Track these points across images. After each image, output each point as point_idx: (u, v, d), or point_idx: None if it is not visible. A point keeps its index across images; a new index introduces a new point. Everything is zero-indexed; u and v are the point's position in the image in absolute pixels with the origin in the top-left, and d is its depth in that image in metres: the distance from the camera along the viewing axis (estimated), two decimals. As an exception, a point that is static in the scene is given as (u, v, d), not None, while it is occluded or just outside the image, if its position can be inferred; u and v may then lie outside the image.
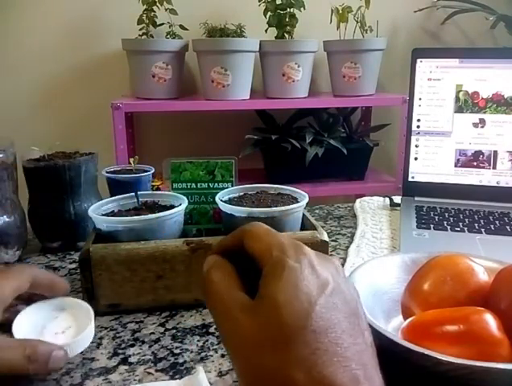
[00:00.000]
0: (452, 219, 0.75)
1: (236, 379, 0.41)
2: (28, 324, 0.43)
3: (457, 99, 0.84)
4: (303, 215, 0.60)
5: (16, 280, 0.42)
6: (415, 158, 0.87)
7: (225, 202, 0.58)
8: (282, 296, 0.27)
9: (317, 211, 0.89)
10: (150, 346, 0.46)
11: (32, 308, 0.45)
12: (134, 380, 0.41)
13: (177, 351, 0.46)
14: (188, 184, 0.62)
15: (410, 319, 0.41)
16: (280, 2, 1.55)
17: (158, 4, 1.51)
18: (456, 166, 0.85)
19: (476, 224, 0.73)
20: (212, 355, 0.45)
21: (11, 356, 0.37)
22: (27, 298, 0.45)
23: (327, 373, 0.24)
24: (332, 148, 1.57)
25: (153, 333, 0.49)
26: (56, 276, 0.48)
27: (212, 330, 0.49)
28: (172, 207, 0.57)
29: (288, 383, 0.24)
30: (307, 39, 1.62)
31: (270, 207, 0.56)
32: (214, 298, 0.30)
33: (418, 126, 0.86)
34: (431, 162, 0.86)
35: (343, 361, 0.25)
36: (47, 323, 0.44)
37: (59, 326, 0.43)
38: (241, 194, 0.63)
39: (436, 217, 0.76)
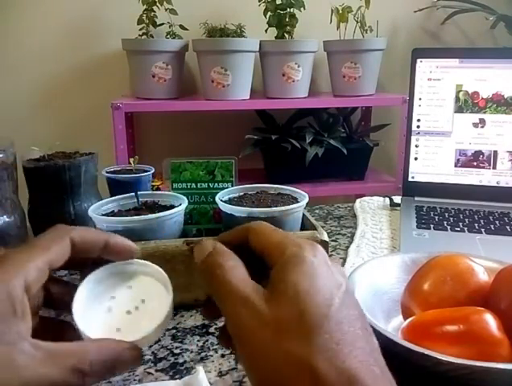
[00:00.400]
0: (452, 219, 0.75)
1: (236, 379, 0.41)
2: (91, 301, 0.33)
3: (457, 99, 0.84)
4: (303, 215, 0.60)
5: (44, 253, 0.30)
6: (415, 158, 0.87)
7: (225, 202, 0.58)
8: (305, 286, 0.27)
9: (317, 211, 0.89)
10: (150, 346, 0.46)
11: (95, 277, 0.34)
12: (134, 380, 0.41)
13: (177, 351, 0.46)
14: (188, 184, 0.62)
15: (410, 319, 0.41)
16: (280, 2, 1.55)
17: (158, 4, 1.51)
18: (456, 166, 0.85)
19: (476, 224, 0.73)
20: (212, 355, 0.45)
21: (51, 371, 0.26)
22: (93, 261, 0.35)
23: (349, 364, 0.24)
24: (332, 148, 1.57)
25: (153, 333, 0.49)
26: (113, 235, 0.35)
27: (212, 330, 0.49)
28: (172, 207, 0.57)
29: (310, 370, 0.24)
30: (307, 39, 1.62)
31: (270, 207, 0.56)
32: (226, 285, 0.28)
33: (418, 126, 0.86)
34: (431, 162, 0.86)
35: (361, 355, 0.25)
36: (117, 295, 0.34)
37: (131, 300, 0.33)
38: (241, 194, 0.63)
39: (436, 217, 0.76)
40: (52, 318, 0.34)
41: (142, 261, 0.35)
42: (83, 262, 0.34)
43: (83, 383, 0.27)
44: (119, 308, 0.33)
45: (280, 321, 0.26)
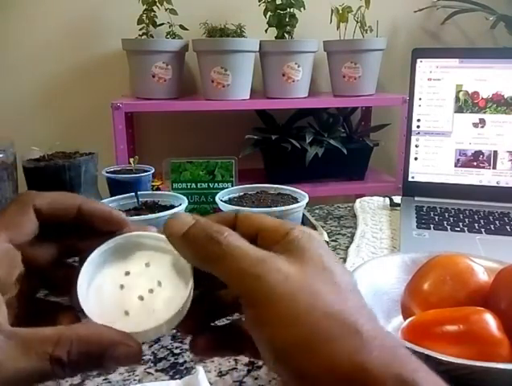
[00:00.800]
0: (452, 219, 0.75)
1: (236, 379, 0.41)
2: (101, 273, 0.28)
3: (457, 99, 0.84)
4: (303, 215, 0.60)
5: (3, 231, 0.27)
6: (415, 158, 0.87)
7: (225, 202, 0.58)
8: (326, 255, 0.26)
9: (317, 211, 0.89)
10: (150, 346, 0.46)
11: (107, 247, 0.29)
12: (134, 380, 0.41)
13: (177, 351, 0.46)
14: (188, 184, 0.62)
15: (410, 319, 0.41)
16: (280, 2, 1.55)
17: (158, 4, 1.51)
18: (456, 166, 0.85)
19: (476, 224, 0.73)
20: (212, 355, 0.45)
21: (26, 362, 0.22)
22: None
23: (381, 326, 0.24)
24: (332, 148, 1.57)
25: (153, 333, 0.49)
26: (91, 200, 0.31)
27: (212, 330, 0.49)
28: (172, 207, 0.57)
29: (354, 325, 0.23)
30: (307, 38, 1.62)
31: (270, 207, 0.56)
32: (233, 249, 0.24)
33: (418, 126, 0.86)
34: (431, 162, 0.86)
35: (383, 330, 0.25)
36: (132, 271, 0.28)
37: (146, 280, 0.28)
38: (241, 194, 0.63)
39: (436, 217, 0.76)
40: (48, 301, 0.30)
41: (162, 236, 0.28)
42: (75, 245, 0.30)
43: (62, 375, 0.23)
44: (132, 287, 0.27)
45: (310, 280, 0.24)
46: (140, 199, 0.61)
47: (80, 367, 0.24)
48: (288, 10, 1.56)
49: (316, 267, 0.25)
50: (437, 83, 0.84)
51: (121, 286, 0.28)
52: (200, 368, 0.40)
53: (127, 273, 0.28)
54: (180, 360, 0.44)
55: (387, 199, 0.91)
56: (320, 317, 0.23)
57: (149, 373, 0.42)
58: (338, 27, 1.59)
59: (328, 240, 0.54)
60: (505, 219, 0.75)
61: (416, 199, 0.85)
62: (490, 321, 0.36)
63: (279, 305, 0.23)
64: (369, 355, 0.22)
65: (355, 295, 0.25)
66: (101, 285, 0.28)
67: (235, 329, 0.29)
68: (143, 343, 0.28)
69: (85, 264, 0.28)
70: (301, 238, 0.26)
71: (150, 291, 0.27)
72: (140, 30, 1.53)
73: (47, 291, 0.31)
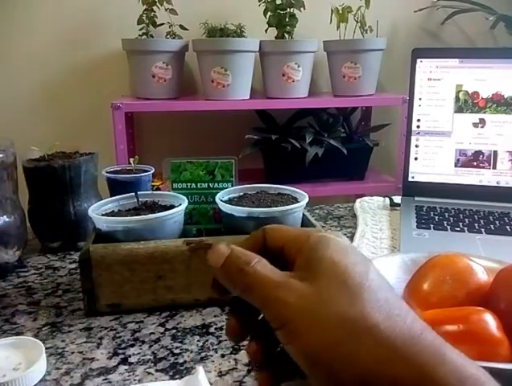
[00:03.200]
0: (452, 219, 0.75)
1: (236, 379, 0.41)
2: None
3: (457, 99, 0.84)
4: (303, 215, 0.60)
5: None
6: (415, 158, 0.87)
7: (224, 202, 0.58)
8: (340, 258, 0.28)
9: (317, 211, 0.89)
10: (150, 346, 0.46)
11: None
12: (134, 380, 0.41)
13: (177, 351, 0.46)
14: (188, 184, 0.62)
15: (410, 319, 0.41)
16: (280, 2, 1.55)
17: (158, 4, 1.51)
18: (456, 166, 0.85)
19: (476, 224, 0.73)
20: (212, 355, 0.45)
21: None
22: None
23: (404, 319, 0.25)
24: (332, 148, 1.57)
25: (153, 333, 0.49)
26: None
27: (212, 330, 0.49)
28: (172, 207, 0.57)
29: (367, 327, 0.25)
30: (307, 38, 1.62)
31: (270, 207, 0.56)
32: (257, 278, 0.28)
33: (418, 126, 0.86)
34: (431, 162, 0.86)
35: (404, 318, 0.26)
36: None
37: (9, 364, 0.41)
38: (241, 194, 0.63)
39: (436, 217, 0.76)
40: None
41: (23, 337, 0.46)
42: None
43: None
44: None
45: (322, 291, 0.26)
46: (140, 199, 0.61)
47: None
48: (288, 10, 1.56)
49: (329, 276, 0.27)
50: (437, 83, 0.84)
51: None
52: (200, 368, 0.40)
53: None
54: (180, 360, 0.44)
55: (387, 199, 0.91)
56: (334, 328, 0.25)
57: (149, 373, 0.42)
58: (338, 27, 1.59)
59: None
60: (505, 219, 0.75)
61: (416, 199, 0.85)
62: (490, 321, 0.36)
63: (300, 319, 0.26)
64: (387, 352, 0.24)
65: (369, 292, 0.26)
66: None
67: None
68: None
69: None
70: (317, 244, 0.29)
71: (14, 369, 0.41)
72: (140, 30, 1.53)
73: None
